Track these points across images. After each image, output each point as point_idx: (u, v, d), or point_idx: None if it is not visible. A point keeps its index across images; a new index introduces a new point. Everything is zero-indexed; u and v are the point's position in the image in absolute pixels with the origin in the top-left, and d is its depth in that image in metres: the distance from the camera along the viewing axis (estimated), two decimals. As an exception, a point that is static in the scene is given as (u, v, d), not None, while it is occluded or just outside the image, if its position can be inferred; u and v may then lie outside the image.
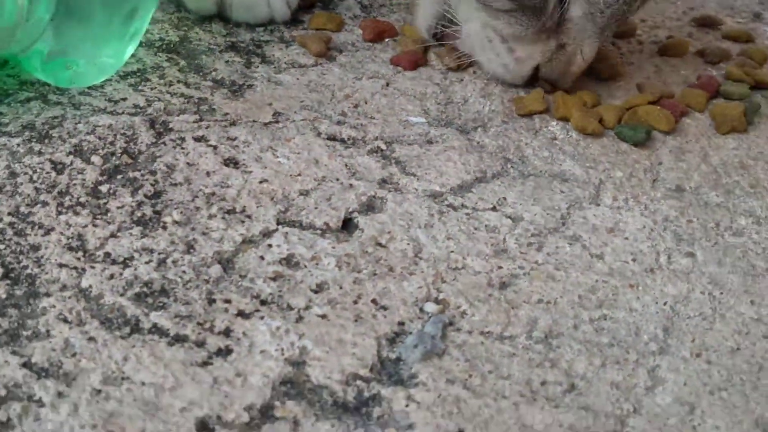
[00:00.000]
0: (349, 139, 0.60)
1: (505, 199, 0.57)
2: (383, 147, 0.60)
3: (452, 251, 0.52)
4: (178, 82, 0.63)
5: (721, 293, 0.52)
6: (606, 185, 0.59)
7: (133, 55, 0.62)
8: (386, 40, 0.72)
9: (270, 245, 0.51)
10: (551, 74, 0.63)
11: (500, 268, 0.52)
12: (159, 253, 0.49)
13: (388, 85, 0.66)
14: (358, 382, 0.44)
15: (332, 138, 0.60)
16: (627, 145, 0.63)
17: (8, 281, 0.47)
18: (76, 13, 0.55)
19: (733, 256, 0.55)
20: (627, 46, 0.76)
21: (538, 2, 0.60)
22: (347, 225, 0.53)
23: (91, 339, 0.44)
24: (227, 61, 0.66)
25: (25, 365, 0.42)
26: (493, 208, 0.56)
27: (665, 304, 0.51)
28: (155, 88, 0.62)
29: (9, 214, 0.50)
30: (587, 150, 0.62)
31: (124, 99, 0.60)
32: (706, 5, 0.86)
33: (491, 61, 0.64)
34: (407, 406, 0.43)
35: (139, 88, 0.62)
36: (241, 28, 0.71)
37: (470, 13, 0.63)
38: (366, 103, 0.64)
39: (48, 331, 0.44)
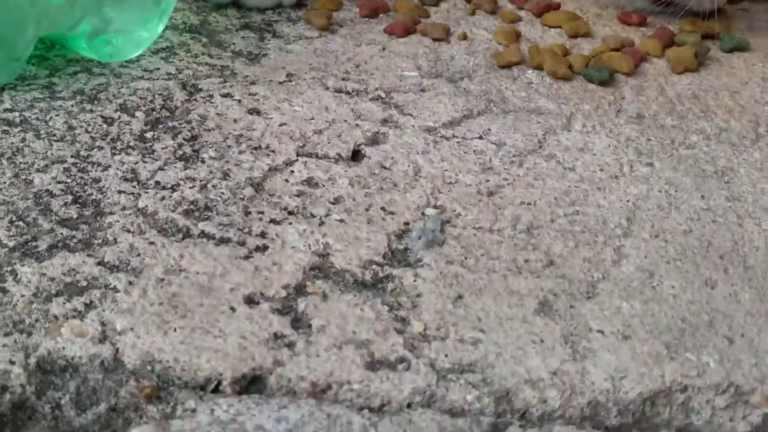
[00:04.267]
0: (353, 90, 0.70)
1: (489, 129, 0.66)
2: (383, 95, 0.69)
3: (446, 170, 0.62)
4: (203, 54, 0.73)
5: (676, 191, 0.61)
6: (576, 116, 0.69)
7: (160, 36, 0.72)
8: (380, 15, 0.82)
9: (292, 171, 0.60)
10: None
11: (488, 181, 0.61)
12: (200, 181, 0.59)
13: (384, 49, 0.76)
14: (374, 266, 0.53)
15: (338, 91, 0.69)
16: (593, 85, 0.73)
17: (77, 205, 0.56)
18: (116, -9, 0.65)
19: (686, 164, 0.64)
20: (592, 10, 0.86)
21: None
22: (356, 156, 0.63)
23: (151, 243, 0.53)
24: (243, 37, 0.76)
25: (99, 263, 0.52)
26: (480, 137, 0.65)
27: (628, 201, 0.60)
28: (183, 59, 0.72)
29: (72, 156, 0.60)
30: (559, 90, 0.72)
31: (158, 69, 0.70)
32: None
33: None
34: (415, 281, 0.53)
35: (170, 60, 0.72)
36: (252, 12, 0.81)
37: None
38: (366, 63, 0.74)
39: (115, 239, 0.54)
